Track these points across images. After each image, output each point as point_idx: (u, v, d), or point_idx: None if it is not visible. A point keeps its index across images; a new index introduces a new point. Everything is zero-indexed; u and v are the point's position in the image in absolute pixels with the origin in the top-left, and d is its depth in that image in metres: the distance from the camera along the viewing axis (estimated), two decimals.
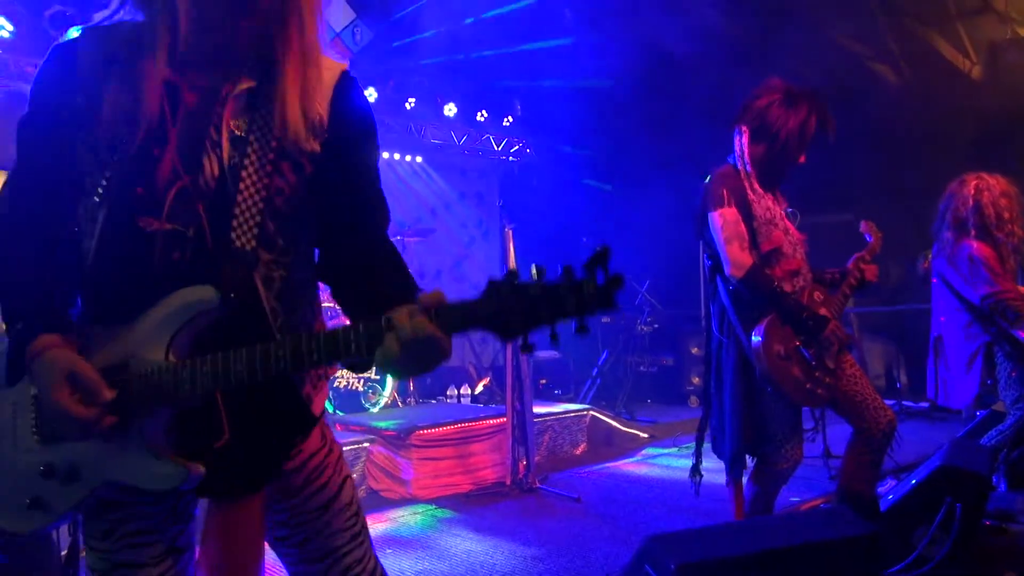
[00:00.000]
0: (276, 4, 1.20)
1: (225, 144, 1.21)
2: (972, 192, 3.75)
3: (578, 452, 5.68)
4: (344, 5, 6.13)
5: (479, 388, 6.55)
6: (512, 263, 4.63)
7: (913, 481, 3.01)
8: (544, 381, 7.42)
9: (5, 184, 1.28)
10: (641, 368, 7.82)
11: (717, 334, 2.91)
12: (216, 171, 1.20)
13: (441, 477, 4.61)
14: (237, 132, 1.22)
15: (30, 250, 1.24)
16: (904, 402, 7.11)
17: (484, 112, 8.04)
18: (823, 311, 2.76)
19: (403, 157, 8.04)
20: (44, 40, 5.22)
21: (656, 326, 7.75)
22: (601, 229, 8.33)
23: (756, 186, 2.82)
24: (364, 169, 1.35)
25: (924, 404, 6.81)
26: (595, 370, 7.49)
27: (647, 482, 4.82)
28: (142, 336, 1.18)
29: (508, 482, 4.60)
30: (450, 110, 7.72)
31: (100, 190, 1.19)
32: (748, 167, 2.82)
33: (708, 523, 3.69)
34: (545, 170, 8.69)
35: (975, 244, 3.67)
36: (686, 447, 5.89)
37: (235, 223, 1.20)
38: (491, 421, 4.97)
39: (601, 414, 5.97)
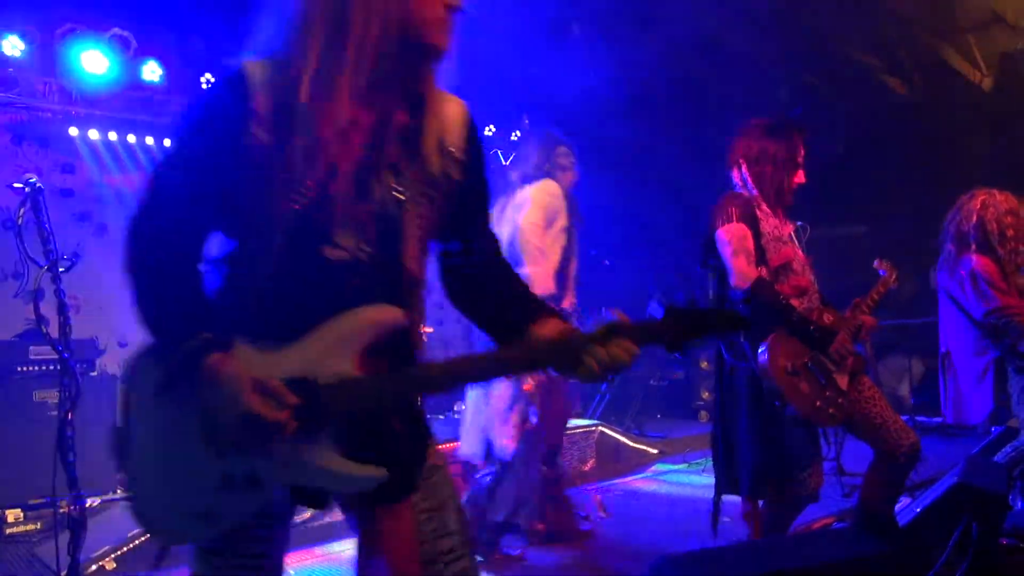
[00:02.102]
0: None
1: (391, 176, 1.32)
2: (978, 207, 3.72)
3: (587, 468, 5.63)
4: None
5: None
6: None
7: (928, 500, 2.95)
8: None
9: (154, 190, 1.30)
10: (651, 382, 7.77)
11: (727, 357, 2.88)
12: (385, 202, 1.32)
13: None
14: (398, 164, 1.33)
15: (188, 269, 1.29)
16: (918, 417, 7.02)
17: (492, 127, 8.06)
18: (828, 317, 2.74)
19: None
20: (56, 58, 5.28)
21: None
22: (609, 244, 8.30)
23: (764, 206, 2.89)
24: (488, 197, 1.52)
25: (938, 419, 6.73)
26: (604, 385, 7.44)
27: (657, 499, 4.77)
28: (325, 350, 1.26)
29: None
30: None
31: (277, 217, 1.26)
32: (753, 191, 2.91)
33: (721, 543, 3.64)
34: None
35: (975, 258, 3.64)
36: (696, 463, 5.84)
37: (406, 249, 1.33)
38: None
39: (610, 429, 5.93)
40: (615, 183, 7.61)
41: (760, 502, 2.91)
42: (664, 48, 6.37)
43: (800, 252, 2.95)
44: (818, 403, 2.65)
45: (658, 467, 5.78)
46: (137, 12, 5.37)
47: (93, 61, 5.28)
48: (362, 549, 1.35)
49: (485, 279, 1.50)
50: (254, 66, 1.29)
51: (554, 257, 3.57)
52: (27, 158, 5.73)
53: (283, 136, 1.26)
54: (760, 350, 2.68)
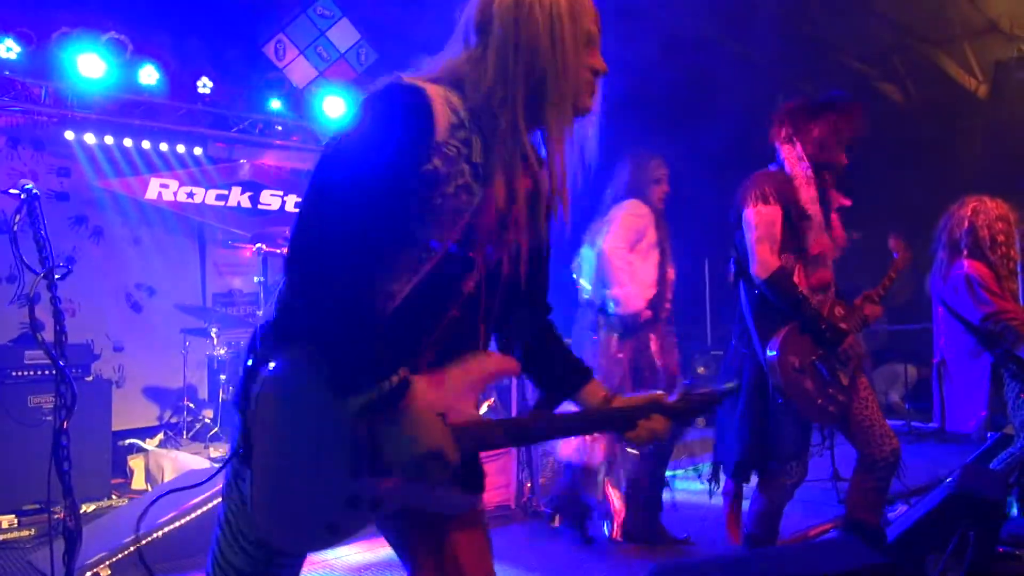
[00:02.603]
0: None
1: (518, 228, 1.42)
2: (969, 214, 3.74)
3: None
4: (348, 26, 6.16)
5: (484, 408, 6.51)
6: None
7: (924, 508, 2.96)
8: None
9: (331, 219, 1.27)
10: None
11: (735, 342, 2.87)
12: (510, 249, 1.42)
13: None
14: (520, 219, 1.42)
15: (371, 301, 1.29)
16: (913, 423, 7.04)
17: None
18: (843, 326, 2.73)
19: None
20: (52, 62, 5.27)
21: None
22: None
23: (812, 188, 2.80)
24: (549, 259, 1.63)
25: (934, 425, 6.73)
26: None
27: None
28: (457, 390, 1.34)
29: (513, 505, 4.55)
30: None
31: (435, 249, 1.32)
32: (807, 170, 2.81)
33: (716, 551, 3.64)
34: None
35: (967, 263, 3.65)
36: (692, 469, 5.83)
37: (514, 295, 1.46)
38: None
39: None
40: (605, 186, 7.63)
41: (744, 486, 2.93)
42: (659, 49, 6.40)
43: (841, 233, 2.92)
44: (820, 400, 2.65)
45: None
46: (134, 15, 5.37)
47: (89, 64, 5.27)
48: (427, 566, 1.43)
49: (545, 338, 1.63)
50: (434, 90, 1.32)
51: (646, 275, 3.68)
52: (22, 161, 5.71)
53: (455, 168, 1.31)
54: (770, 348, 2.67)
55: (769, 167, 2.91)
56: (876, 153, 7.33)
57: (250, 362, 1.31)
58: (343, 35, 6.15)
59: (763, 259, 2.67)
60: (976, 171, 6.67)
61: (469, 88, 1.36)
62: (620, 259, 3.61)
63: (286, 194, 7.00)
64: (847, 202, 2.94)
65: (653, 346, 3.67)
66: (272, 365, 1.27)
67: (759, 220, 2.70)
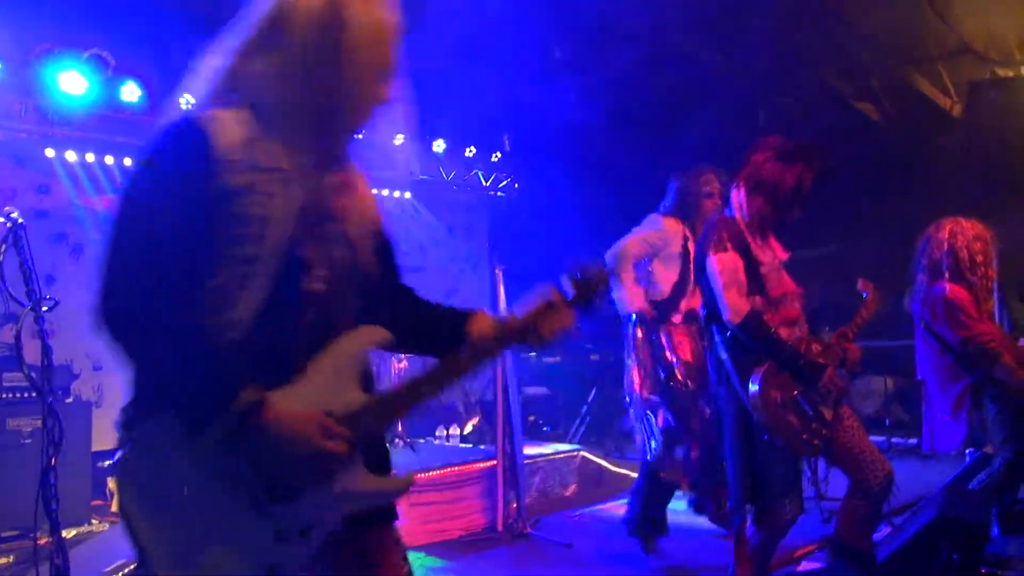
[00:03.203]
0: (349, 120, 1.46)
1: (344, 220, 1.45)
2: (946, 236, 3.80)
3: (568, 493, 5.61)
4: None
5: (468, 428, 6.49)
6: (503, 304, 4.61)
7: (909, 532, 2.99)
8: (532, 418, 7.37)
9: (125, 260, 1.27)
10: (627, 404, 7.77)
11: (714, 384, 2.90)
12: (346, 241, 1.44)
13: (430, 523, 4.54)
14: (349, 212, 1.46)
15: (195, 328, 1.28)
16: (893, 439, 7.11)
17: (472, 148, 8.08)
18: (820, 360, 2.76)
19: (391, 193, 8.05)
20: (33, 78, 5.20)
21: None
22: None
23: (757, 237, 2.87)
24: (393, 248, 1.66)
25: (914, 441, 6.81)
26: (584, 407, 7.45)
27: None
28: (331, 382, 1.34)
29: (499, 527, 4.54)
30: (439, 146, 7.75)
31: (264, 258, 1.31)
32: (747, 218, 2.88)
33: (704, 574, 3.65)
34: (534, 205, 8.72)
35: (948, 286, 3.70)
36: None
37: (369, 282, 1.47)
38: (480, 465, 4.91)
39: (591, 455, 5.92)
40: (594, 198, 7.68)
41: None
42: (640, 68, 6.45)
43: (791, 281, 2.95)
44: (805, 435, 2.68)
45: None
46: (116, 32, 5.30)
47: (71, 81, 5.20)
48: None
49: (414, 311, 1.65)
50: (217, 113, 1.34)
51: (665, 280, 4.07)
52: (1, 178, 5.63)
53: (255, 178, 1.32)
54: (751, 382, 2.70)
55: (727, 211, 2.96)
56: (852, 170, 7.43)
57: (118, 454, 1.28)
58: None
59: (733, 304, 2.73)
60: (951, 190, 6.77)
61: (268, 95, 1.37)
62: (618, 267, 3.98)
63: None
64: (784, 255, 2.97)
65: (664, 342, 3.96)
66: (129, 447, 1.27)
67: (722, 267, 2.76)
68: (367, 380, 1.43)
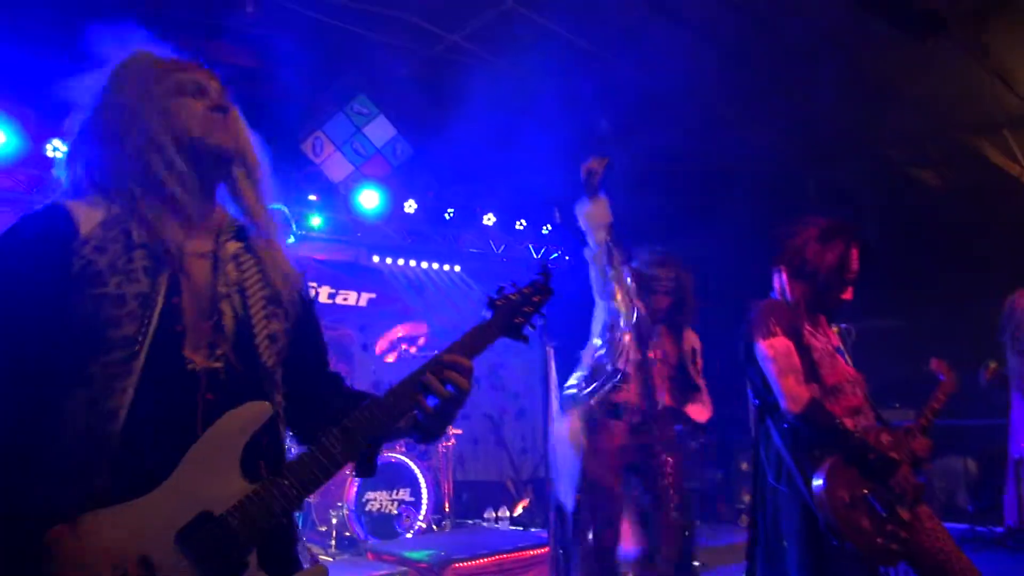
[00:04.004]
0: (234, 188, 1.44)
1: (234, 295, 1.37)
2: None
3: None
4: (385, 122, 6.26)
5: (518, 510, 6.24)
6: (554, 383, 4.45)
7: None
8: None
9: None
10: (686, 484, 7.43)
11: (772, 482, 2.64)
12: (232, 317, 1.35)
13: None
14: (237, 285, 1.38)
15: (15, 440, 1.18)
16: (977, 528, 6.59)
17: (523, 221, 8.06)
18: (893, 455, 2.50)
19: (441, 267, 8.03)
20: None
21: (702, 440, 7.40)
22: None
23: (807, 321, 2.70)
24: (318, 325, 1.58)
25: (999, 529, 6.31)
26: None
27: None
28: (205, 475, 1.20)
29: None
30: (488, 219, 7.74)
31: (138, 340, 1.24)
32: (793, 302, 2.73)
33: None
34: (585, 278, 8.60)
35: None
36: None
37: (261, 358, 1.36)
38: (532, 552, 4.67)
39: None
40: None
41: None
42: (690, 139, 6.40)
43: (850, 366, 2.74)
44: (879, 540, 2.40)
45: None
46: (39, 90, 4.89)
47: None
48: None
49: (319, 399, 1.53)
50: (74, 204, 1.32)
51: None
52: None
53: (120, 257, 1.28)
54: (816, 479, 2.45)
55: (771, 295, 2.81)
56: (914, 239, 7.17)
57: None
58: (380, 131, 6.24)
59: (791, 393, 2.51)
60: (1018, 259, 6.46)
61: (106, 176, 1.36)
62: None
63: (320, 285, 6.99)
64: (836, 342, 2.79)
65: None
66: None
67: (775, 353, 2.57)
68: (255, 461, 1.28)
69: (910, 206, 7.34)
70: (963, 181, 7.40)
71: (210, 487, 1.20)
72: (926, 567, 2.49)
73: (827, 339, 2.71)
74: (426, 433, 1.46)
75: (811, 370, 2.59)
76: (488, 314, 1.49)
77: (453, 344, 1.44)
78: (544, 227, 8.27)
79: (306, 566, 1.33)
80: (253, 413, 1.29)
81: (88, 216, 1.31)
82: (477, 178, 7.22)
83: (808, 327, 2.67)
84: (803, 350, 2.60)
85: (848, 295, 2.74)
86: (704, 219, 7.33)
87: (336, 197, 6.48)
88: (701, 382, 3.93)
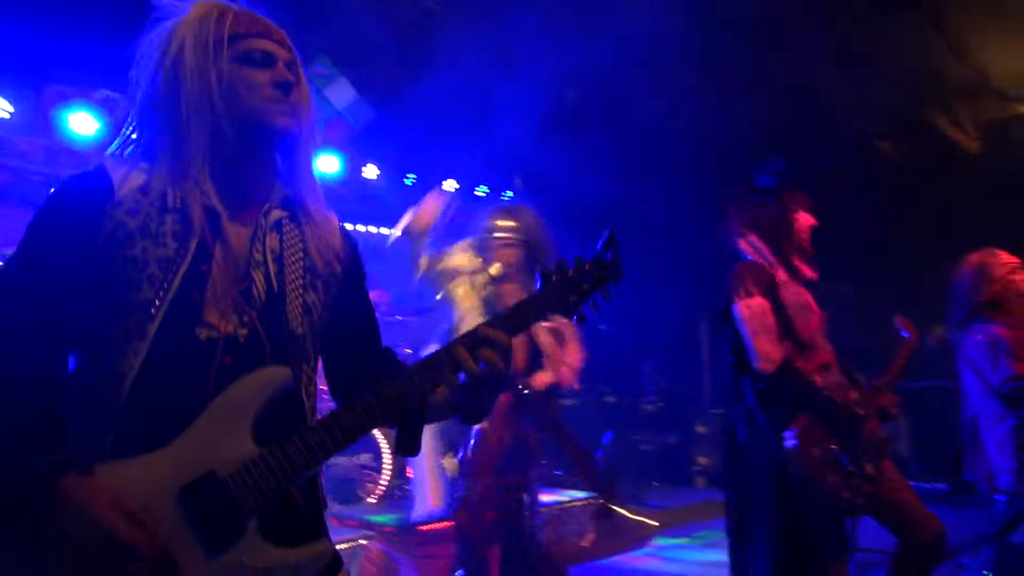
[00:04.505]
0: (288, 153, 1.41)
1: (271, 263, 1.35)
2: (983, 268, 3.65)
3: (585, 543, 5.40)
4: (347, 84, 6.13)
5: None
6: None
7: None
8: (544, 462, 7.16)
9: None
10: (643, 448, 7.59)
11: (744, 439, 2.73)
12: (263, 285, 1.32)
13: None
14: (273, 254, 1.36)
15: (41, 378, 1.19)
16: (922, 485, 6.86)
17: (484, 187, 8.02)
18: (860, 411, 2.60)
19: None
20: (44, 120, 5.18)
21: (661, 405, 7.56)
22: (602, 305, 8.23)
23: (781, 272, 2.78)
24: (367, 297, 1.55)
25: (942, 486, 6.58)
26: (599, 452, 7.25)
27: None
28: (216, 434, 1.19)
29: None
30: (450, 186, 7.68)
31: (155, 304, 1.23)
32: (769, 258, 2.80)
33: None
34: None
35: (991, 326, 3.55)
36: (699, 537, 5.65)
37: (291, 326, 1.33)
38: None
39: (609, 502, 5.71)
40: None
41: None
42: (657, 101, 6.41)
43: (816, 309, 2.85)
44: (847, 493, 2.50)
45: (659, 541, 5.56)
46: (126, 74, 5.30)
47: (81, 122, 5.18)
48: None
49: (366, 376, 1.47)
50: (115, 165, 1.32)
51: None
52: (13, 219, 5.58)
53: (151, 220, 1.27)
54: (788, 435, 2.53)
55: (743, 258, 2.90)
56: (869, 207, 7.34)
57: None
58: (341, 93, 6.12)
59: (765, 352, 2.59)
60: (969, 228, 6.66)
61: (159, 144, 1.33)
62: None
63: None
64: (813, 275, 2.90)
65: None
66: None
67: (750, 313, 2.64)
68: (269, 427, 1.24)
69: (867, 175, 7.50)
70: (919, 152, 7.56)
71: (219, 448, 1.19)
72: (888, 517, 2.61)
73: (799, 289, 2.79)
74: (465, 413, 1.40)
75: (786, 326, 2.67)
76: (537, 287, 1.39)
77: (495, 316, 1.36)
78: (504, 194, 8.24)
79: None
80: (270, 377, 1.26)
81: (128, 179, 1.30)
82: (440, 143, 7.16)
83: (780, 282, 2.76)
84: (779, 309, 2.67)
85: (804, 226, 2.89)
86: (672, 188, 7.40)
87: None
88: (568, 344, 3.50)
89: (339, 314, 1.44)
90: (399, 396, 1.29)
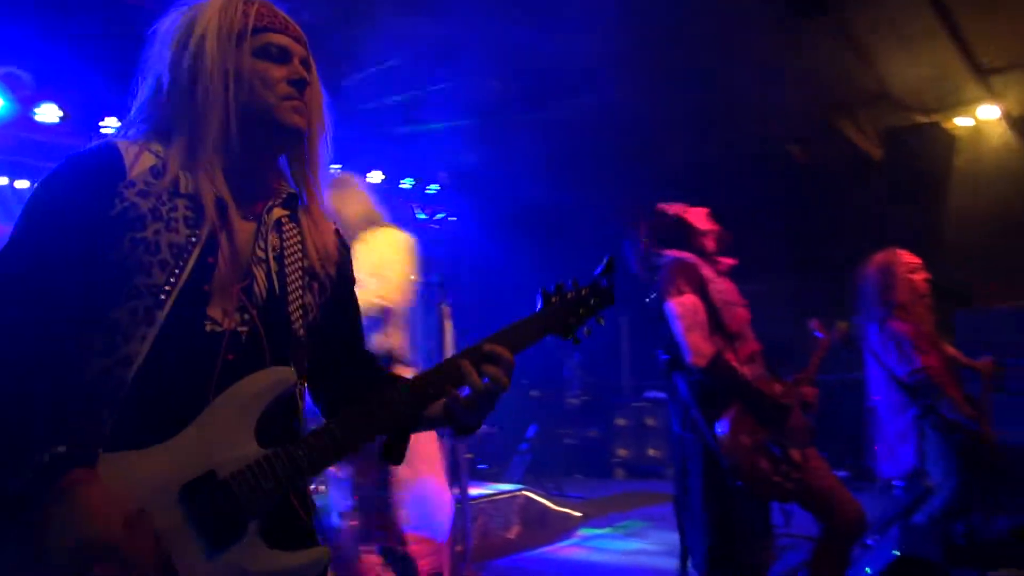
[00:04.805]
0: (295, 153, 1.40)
1: (272, 261, 1.33)
2: (887, 267, 3.88)
3: (511, 535, 5.45)
4: None
5: None
6: (449, 344, 4.46)
7: (867, 570, 2.98)
8: (470, 456, 7.19)
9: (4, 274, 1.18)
10: (567, 441, 7.72)
11: (679, 431, 2.83)
12: (264, 283, 1.30)
13: (372, 570, 4.30)
14: (275, 252, 1.34)
15: (51, 363, 1.14)
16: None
17: (409, 180, 7.96)
18: (784, 402, 2.74)
19: None
20: None
21: (586, 399, 7.70)
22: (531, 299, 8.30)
23: (707, 268, 2.88)
24: (356, 303, 1.54)
25: (842, 473, 6.95)
26: (524, 445, 7.32)
27: (588, 569, 4.65)
28: (218, 435, 1.17)
29: (445, 574, 4.33)
30: (375, 178, 7.59)
31: (165, 290, 1.21)
32: (690, 258, 2.90)
33: None
34: (473, 238, 8.64)
35: (895, 321, 3.77)
36: (621, 526, 5.79)
37: (292, 326, 1.32)
38: None
39: (534, 494, 5.79)
40: (537, 246, 7.69)
41: None
42: (579, 115, 6.51)
43: (739, 297, 2.96)
44: (776, 478, 2.63)
45: (584, 532, 5.67)
46: (35, 53, 5.01)
47: None
48: None
49: (350, 382, 1.49)
50: (127, 143, 1.29)
51: None
52: None
53: (162, 203, 1.24)
54: (719, 426, 2.64)
55: (671, 258, 2.99)
56: (780, 209, 7.66)
57: None
58: None
59: (697, 348, 2.68)
60: (869, 228, 7.02)
61: (171, 128, 1.30)
62: None
63: None
64: (733, 261, 3.04)
65: None
66: None
67: (683, 310, 2.73)
68: (269, 428, 1.22)
69: (780, 177, 7.80)
70: (825, 156, 7.92)
71: (221, 447, 1.16)
72: (813, 503, 2.76)
73: (725, 283, 2.90)
74: (460, 426, 1.39)
75: (716, 321, 2.77)
76: (539, 307, 1.43)
77: (497, 333, 1.37)
78: (429, 187, 8.20)
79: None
80: (276, 377, 1.24)
81: (140, 159, 1.27)
82: (364, 133, 7.05)
83: (707, 278, 2.86)
84: (709, 304, 2.77)
85: (710, 242, 3.03)
86: (586, 181, 7.52)
87: None
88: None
89: (329, 318, 1.42)
90: (403, 405, 1.29)
